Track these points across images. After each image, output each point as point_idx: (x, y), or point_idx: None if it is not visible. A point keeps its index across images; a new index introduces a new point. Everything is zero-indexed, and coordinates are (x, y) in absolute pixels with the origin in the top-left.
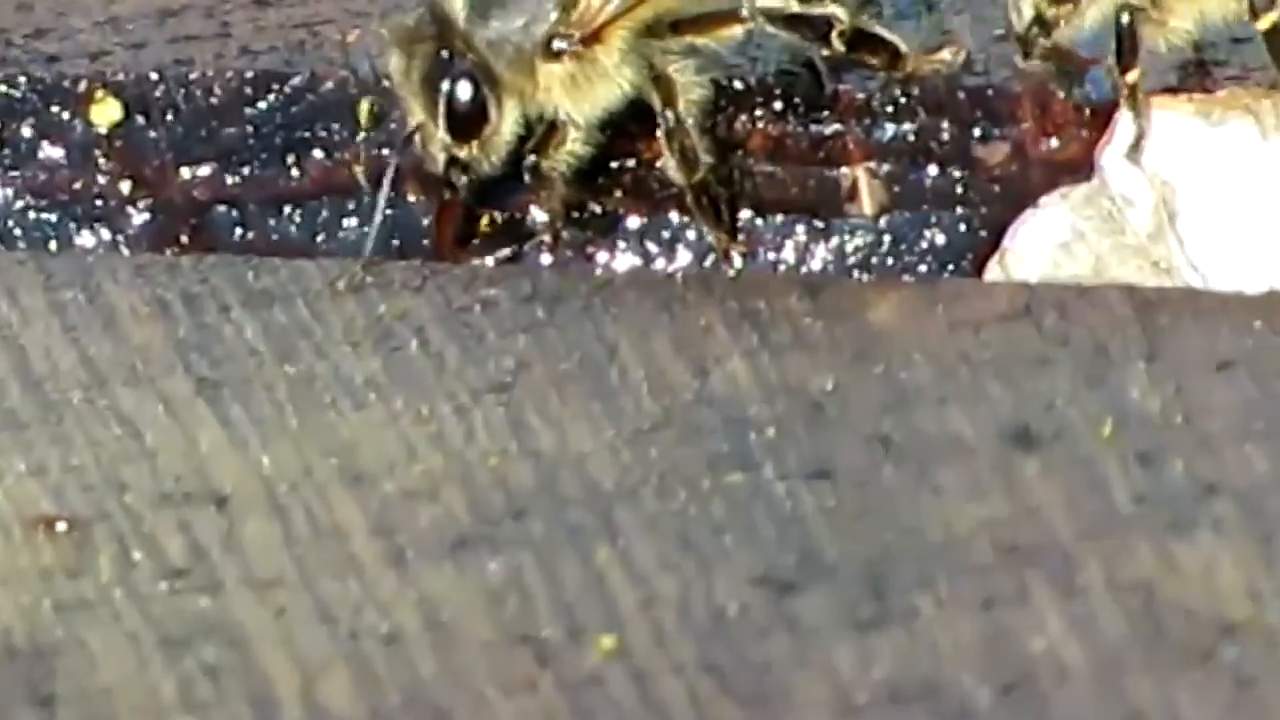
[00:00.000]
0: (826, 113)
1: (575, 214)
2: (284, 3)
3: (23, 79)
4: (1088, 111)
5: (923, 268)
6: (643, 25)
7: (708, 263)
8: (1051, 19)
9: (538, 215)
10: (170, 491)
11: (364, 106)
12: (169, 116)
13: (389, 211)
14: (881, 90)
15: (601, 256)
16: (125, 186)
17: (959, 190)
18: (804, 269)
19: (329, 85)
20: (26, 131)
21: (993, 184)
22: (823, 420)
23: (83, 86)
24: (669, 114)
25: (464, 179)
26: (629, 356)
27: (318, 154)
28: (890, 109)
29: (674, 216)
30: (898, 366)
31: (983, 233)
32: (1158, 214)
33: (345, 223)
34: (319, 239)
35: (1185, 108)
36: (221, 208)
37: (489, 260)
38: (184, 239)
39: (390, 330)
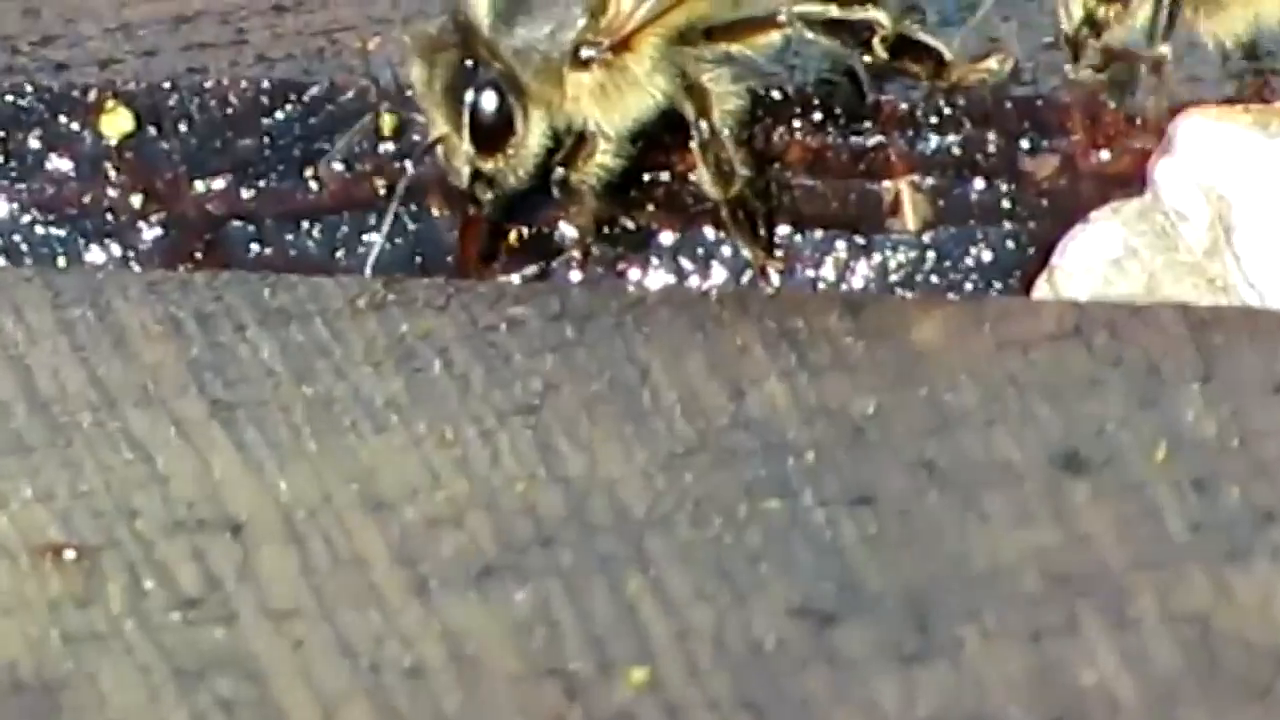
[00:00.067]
0: (868, 123)
1: (605, 229)
2: (302, 9)
3: (30, 88)
4: (1140, 122)
5: (968, 285)
6: (675, 32)
7: (744, 280)
8: (1102, 19)
9: (566, 230)
10: (183, 518)
11: (385, 117)
12: (182, 127)
13: (412, 227)
14: (925, 100)
15: (633, 273)
16: (136, 200)
17: (1006, 204)
18: (844, 286)
19: (349, 95)
20: (34, 143)
21: (1041, 198)
22: (864, 444)
23: (92, 96)
24: (703, 125)
25: (489, 193)
26: (662, 378)
27: (337, 166)
28: (934, 120)
29: (709, 232)
30: (942, 388)
31: (1031, 249)
32: (1213, 229)
33: (366, 238)
34: (338, 255)
35: (1242, 119)
36: (237, 222)
37: (515, 278)
38: (198, 255)
39: (413, 350)
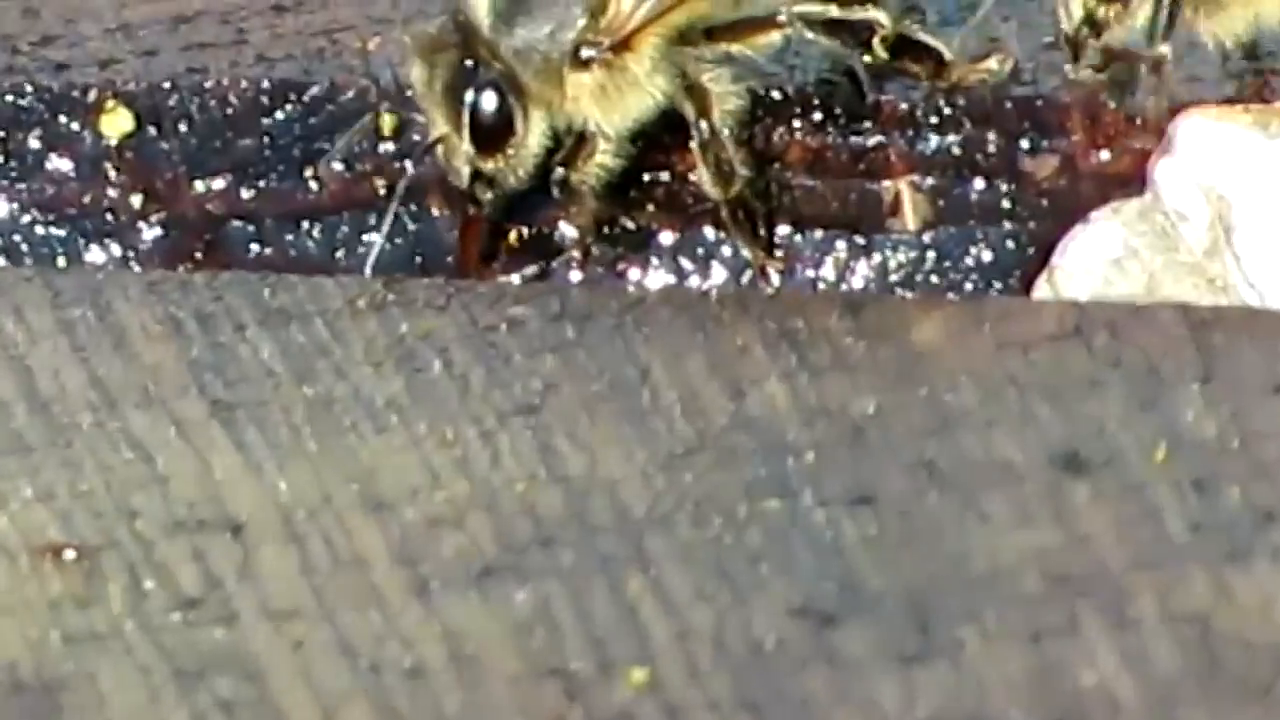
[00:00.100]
0: (868, 123)
1: (605, 229)
2: (302, 9)
3: (30, 88)
4: (1140, 122)
5: (968, 285)
6: (676, 32)
7: (744, 280)
8: (1102, 19)
9: (566, 231)
10: (183, 518)
11: (385, 117)
12: (182, 127)
13: (412, 227)
14: (925, 100)
15: (633, 274)
16: (136, 200)
17: (1006, 204)
18: (844, 286)
19: (349, 95)
20: (34, 143)
21: (1041, 198)
22: (864, 444)
23: (92, 96)
24: (703, 125)
25: (489, 193)
26: (662, 378)
27: (337, 166)
28: (934, 120)
29: (709, 232)
30: (942, 388)
31: (1031, 249)
32: (1213, 229)
33: (366, 238)
34: (338, 255)
35: (1242, 119)
36: (237, 222)
37: (515, 278)
38: (198, 255)
39: (413, 350)
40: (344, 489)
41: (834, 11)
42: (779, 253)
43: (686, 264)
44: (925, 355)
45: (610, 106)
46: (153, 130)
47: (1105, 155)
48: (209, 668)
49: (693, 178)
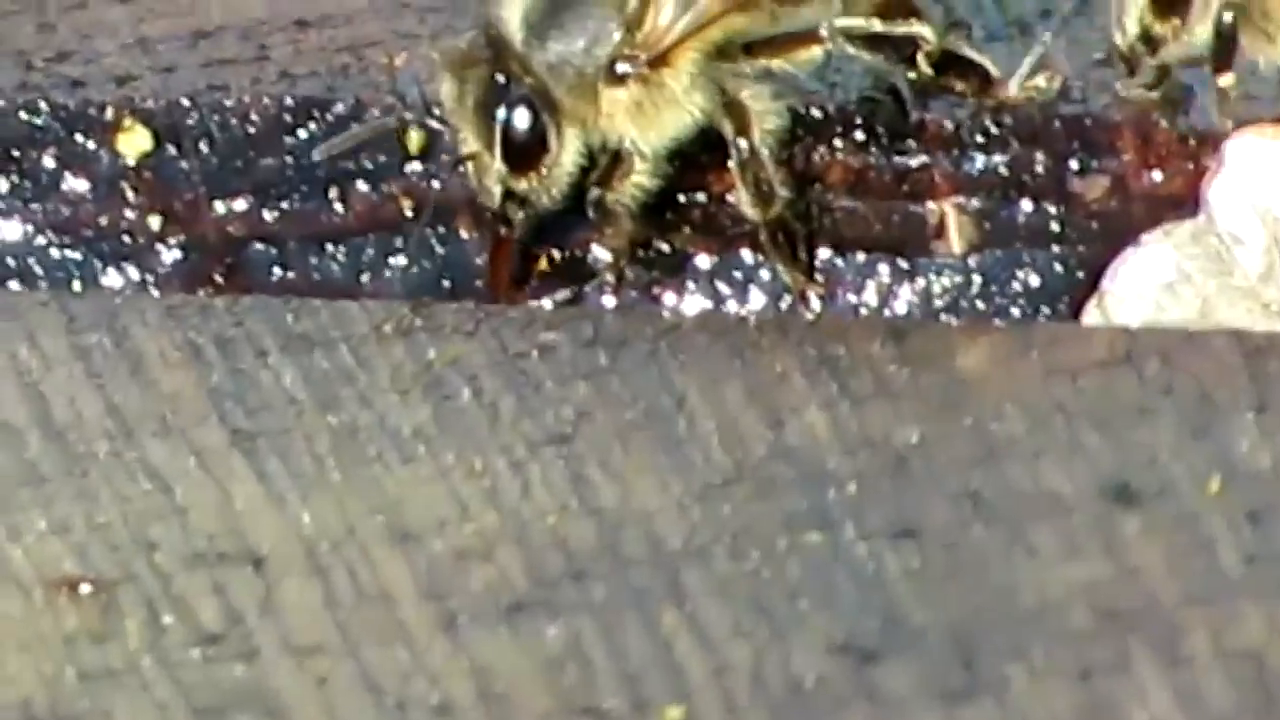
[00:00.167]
0: (912, 143)
1: (640, 252)
2: (327, 24)
3: (45, 105)
4: (1193, 142)
5: (1015, 311)
6: (714, 47)
7: (783, 305)
8: (1159, 35)
9: (600, 253)
10: (203, 551)
11: (412, 135)
12: (202, 146)
13: (440, 249)
14: (971, 119)
15: (669, 298)
16: (155, 222)
17: (1054, 227)
18: (887, 312)
19: (375, 113)
20: (49, 162)
21: (1091, 220)
22: (907, 475)
23: (109, 114)
24: (742, 143)
25: (521, 214)
26: (698, 406)
27: (362, 187)
28: (980, 139)
29: (747, 255)
30: (988, 417)
31: (1080, 273)
32: (1269, 253)
33: (392, 261)
34: (364, 279)
35: None
36: (259, 245)
37: (547, 302)
38: (218, 278)
39: (441, 378)
40: (369, 521)
41: (877, 26)
42: (819, 277)
43: (724, 288)
44: (971, 383)
45: (646, 124)
46: (172, 149)
47: (1157, 176)
48: (229, 706)
49: (731, 199)
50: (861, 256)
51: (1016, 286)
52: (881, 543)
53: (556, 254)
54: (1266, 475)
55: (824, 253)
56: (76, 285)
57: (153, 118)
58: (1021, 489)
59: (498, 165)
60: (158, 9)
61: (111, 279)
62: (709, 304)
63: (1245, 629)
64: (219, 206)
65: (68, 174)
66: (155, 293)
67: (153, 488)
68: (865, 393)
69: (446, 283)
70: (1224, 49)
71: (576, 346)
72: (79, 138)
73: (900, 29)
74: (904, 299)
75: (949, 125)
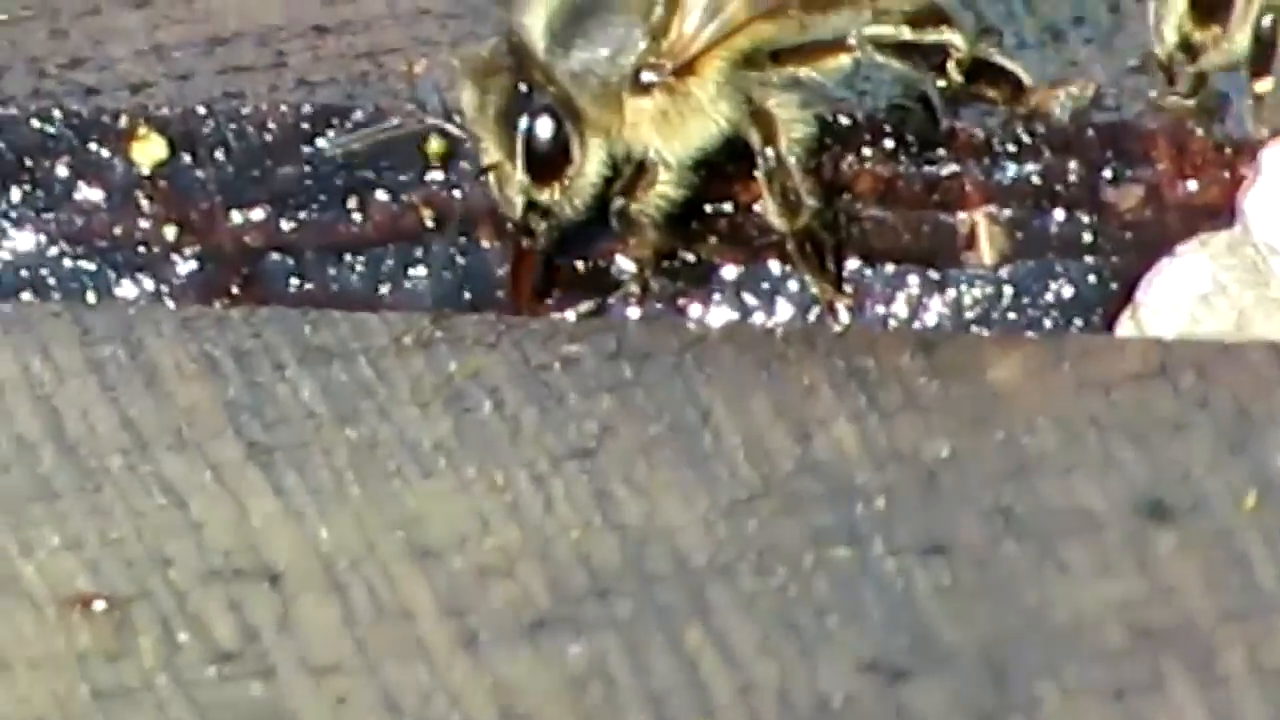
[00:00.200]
0: (942, 151)
1: (665, 263)
2: (345, 30)
3: (58, 113)
4: (1229, 150)
5: (1047, 322)
6: (740, 55)
7: (811, 317)
8: (1199, 43)
9: (624, 264)
10: (219, 567)
11: (433, 144)
12: (218, 155)
13: (461, 260)
14: (1002, 127)
15: (694, 309)
16: (170, 232)
17: (1087, 237)
18: (917, 324)
19: (394, 121)
20: (62, 171)
21: (1125, 230)
22: (937, 490)
23: (123, 122)
24: (769, 153)
25: (543, 224)
26: (724, 420)
27: (382, 196)
28: (1012, 148)
29: (774, 266)
30: (1020, 431)
31: (1114, 284)
32: None
33: (412, 272)
34: (383, 290)
35: None
36: (276, 255)
37: (570, 314)
38: (234, 290)
39: (462, 390)
40: (388, 536)
41: (906, 34)
42: (848, 288)
43: (750, 299)
44: (1002, 396)
45: (672, 133)
46: (187, 158)
47: (1192, 185)
48: None
49: (757, 208)
50: (891, 267)
51: (1049, 298)
52: (911, 559)
53: (580, 265)
54: None
55: (852, 263)
56: (90, 296)
57: (168, 125)
58: (1054, 504)
59: (520, 176)
60: (173, 15)
61: (126, 290)
62: (735, 315)
63: None
64: (235, 216)
65: (81, 183)
66: (170, 304)
67: (168, 503)
68: (894, 406)
69: (468, 294)
70: (1262, 54)
71: (600, 359)
72: (93, 146)
73: (930, 36)
74: (934, 310)
75: (980, 133)
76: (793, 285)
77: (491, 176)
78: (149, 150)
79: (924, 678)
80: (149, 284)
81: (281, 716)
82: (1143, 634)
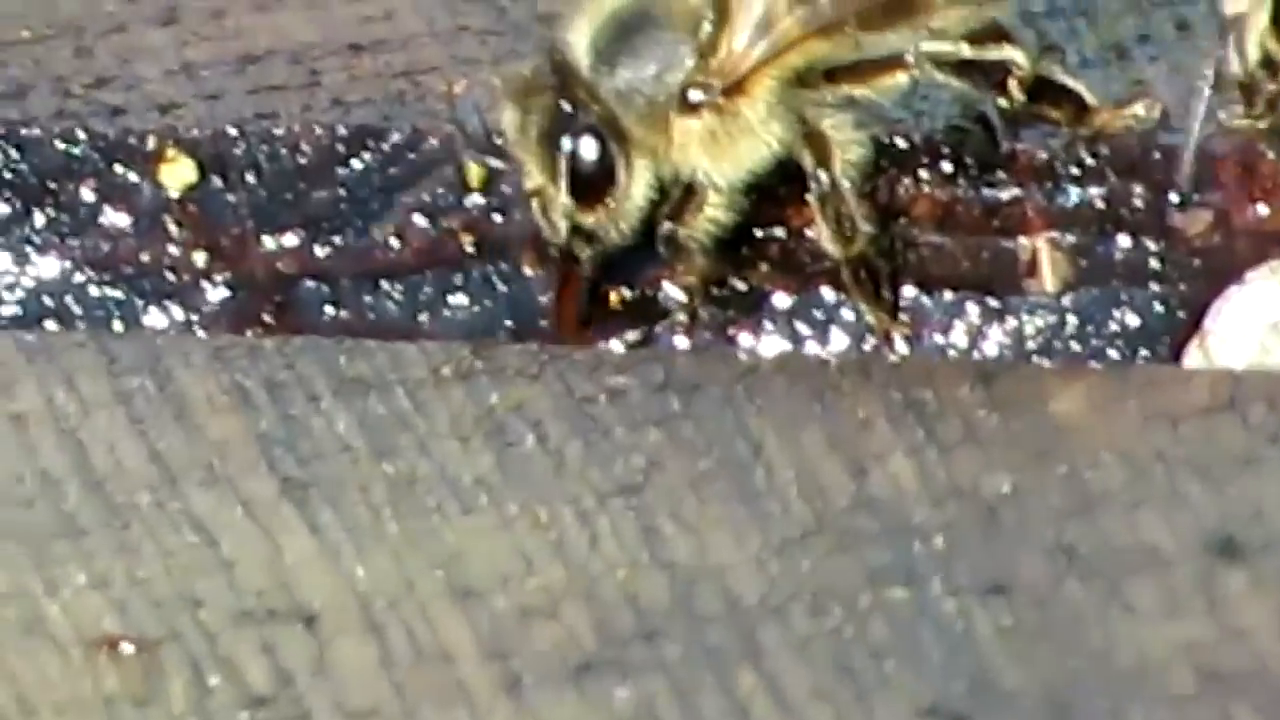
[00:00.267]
0: (1002, 174)
1: (715, 290)
2: (381, 49)
3: (83, 134)
4: None
5: (1112, 353)
6: (793, 74)
7: (866, 346)
8: None
9: (672, 292)
10: (251, 608)
11: (472, 168)
12: (250, 178)
13: (502, 288)
14: (1065, 149)
15: (745, 339)
16: (200, 258)
17: (1154, 264)
18: (976, 354)
19: (432, 143)
20: (87, 194)
21: (1192, 257)
22: (998, 527)
23: (151, 143)
24: (823, 176)
25: (588, 250)
26: (776, 454)
27: (420, 221)
28: (1075, 171)
29: (828, 293)
30: (1084, 466)
31: (1181, 313)
32: None
33: (451, 300)
34: (422, 318)
35: None
36: (310, 283)
37: (616, 344)
38: (267, 318)
39: (503, 424)
40: (428, 576)
41: (965, 51)
42: (904, 316)
43: (803, 328)
44: (1065, 429)
45: (721, 155)
46: (218, 181)
47: (1262, 210)
48: None
49: (810, 234)
50: (949, 295)
51: (1114, 327)
52: (971, 599)
53: (626, 292)
54: None
55: (909, 291)
56: (117, 325)
57: (197, 148)
58: (1119, 542)
59: (563, 199)
60: (202, 32)
61: (154, 319)
62: (788, 345)
63: None
64: (268, 242)
65: (107, 207)
66: (201, 333)
67: (198, 540)
68: (953, 440)
69: (509, 323)
70: None
71: (647, 390)
72: (119, 169)
73: (991, 54)
74: (994, 340)
75: (1042, 156)
76: (847, 314)
77: (534, 200)
78: (178, 173)
79: None
80: (178, 313)
81: None
82: (1211, 677)
